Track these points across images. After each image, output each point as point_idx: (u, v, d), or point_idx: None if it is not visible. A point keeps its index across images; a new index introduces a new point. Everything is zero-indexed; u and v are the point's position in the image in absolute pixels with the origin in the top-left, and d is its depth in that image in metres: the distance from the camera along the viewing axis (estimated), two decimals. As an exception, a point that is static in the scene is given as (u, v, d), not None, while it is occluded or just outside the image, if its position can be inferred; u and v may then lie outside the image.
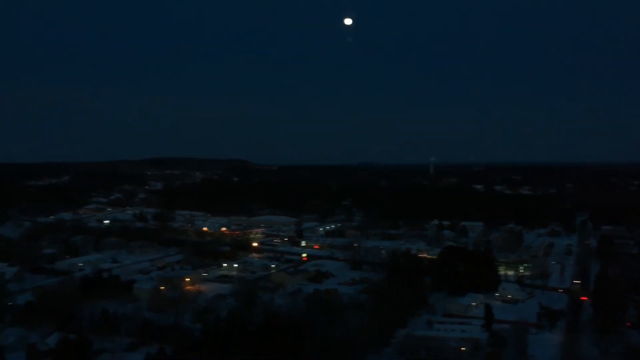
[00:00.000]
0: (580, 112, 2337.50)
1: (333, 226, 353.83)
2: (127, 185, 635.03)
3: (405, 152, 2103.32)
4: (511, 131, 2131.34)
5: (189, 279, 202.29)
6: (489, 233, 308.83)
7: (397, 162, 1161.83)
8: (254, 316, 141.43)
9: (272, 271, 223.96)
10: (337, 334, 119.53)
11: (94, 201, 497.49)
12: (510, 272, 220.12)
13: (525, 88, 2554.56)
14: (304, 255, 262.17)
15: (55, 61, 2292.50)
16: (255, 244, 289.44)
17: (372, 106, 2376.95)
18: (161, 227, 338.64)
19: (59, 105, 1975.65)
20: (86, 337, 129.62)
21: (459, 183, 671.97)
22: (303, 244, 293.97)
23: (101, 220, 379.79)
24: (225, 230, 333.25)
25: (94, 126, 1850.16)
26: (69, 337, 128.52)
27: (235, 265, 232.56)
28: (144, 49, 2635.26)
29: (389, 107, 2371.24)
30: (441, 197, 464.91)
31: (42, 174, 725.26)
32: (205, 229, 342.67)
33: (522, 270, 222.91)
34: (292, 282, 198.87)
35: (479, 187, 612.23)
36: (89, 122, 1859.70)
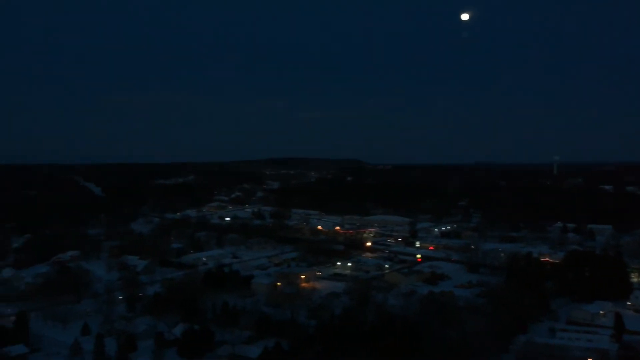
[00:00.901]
0: None
1: (449, 227, 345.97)
2: (246, 184, 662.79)
3: (526, 151, 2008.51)
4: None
5: (304, 276, 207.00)
6: (620, 237, 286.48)
7: (517, 161, 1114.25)
8: (367, 315, 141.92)
9: (386, 271, 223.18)
10: (453, 337, 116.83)
11: (217, 199, 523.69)
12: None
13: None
14: (419, 256, 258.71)
15: (180, 67, 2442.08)
16: (368, 244, 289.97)
17: (490, 103, 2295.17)
18: (277, 224, 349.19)
19: (185, 109, 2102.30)
20: (209, 328, 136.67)
21: (585, 183, 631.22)
22: (417, 244, 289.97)
23: (223, 218, 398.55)
24: (339, 229, 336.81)
25: (217, 128, 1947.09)
26: (193, 327, 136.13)
27: (349, 264, 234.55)
28: (261, 52, 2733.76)
29: (509, 104, 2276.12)
30: (565, 198, 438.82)
31: (170, 173, 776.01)
32: (319, 227, 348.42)
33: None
34: (406, 283, 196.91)
35: (607, 187, 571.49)
36: (213, 125, 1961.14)
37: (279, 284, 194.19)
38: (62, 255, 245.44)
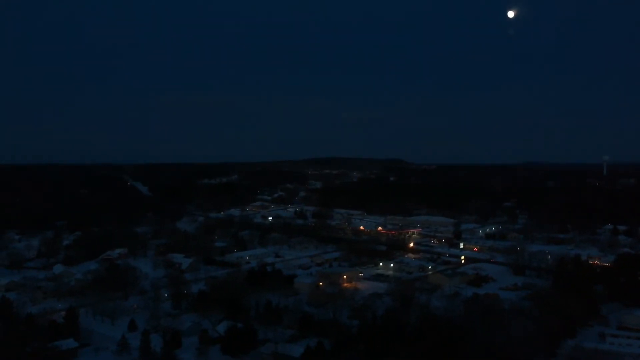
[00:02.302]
0: None
1: (494, 228, 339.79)
2: (288, 184, 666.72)
3: (575, 150, 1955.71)
4: None
5: (346, 276, 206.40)
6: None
7: (565, 161, 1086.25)
8: (410, 316, 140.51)
9: (429, 272, 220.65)
10: (498, 340, 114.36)
11: (260, 198, 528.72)
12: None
13: None
14: (463, 257, 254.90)
15: (226, 68, 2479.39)
16: (411, 244, 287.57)
17: (537, 102, 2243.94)
18: (320, 224, 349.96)
19: (230, 109, 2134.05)
20: (252, 326, 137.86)
21: (637, 184, 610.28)
22: (461, 245, 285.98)
23: (265, 217, 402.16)
24: (381, 230, 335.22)
25: (261, 129, 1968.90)
26: (236, 325, 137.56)
27: (391, 264, 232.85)
28: (305, 52, 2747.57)
29: (557, 103, 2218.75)
30: (616, 199, 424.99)
31: (214, 173, 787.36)
32: (361, 227, 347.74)
33: None
34: (450, 285, 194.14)
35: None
36: (257, 125, 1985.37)
37: (321, 283, 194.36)
38: (110, 252, 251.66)
